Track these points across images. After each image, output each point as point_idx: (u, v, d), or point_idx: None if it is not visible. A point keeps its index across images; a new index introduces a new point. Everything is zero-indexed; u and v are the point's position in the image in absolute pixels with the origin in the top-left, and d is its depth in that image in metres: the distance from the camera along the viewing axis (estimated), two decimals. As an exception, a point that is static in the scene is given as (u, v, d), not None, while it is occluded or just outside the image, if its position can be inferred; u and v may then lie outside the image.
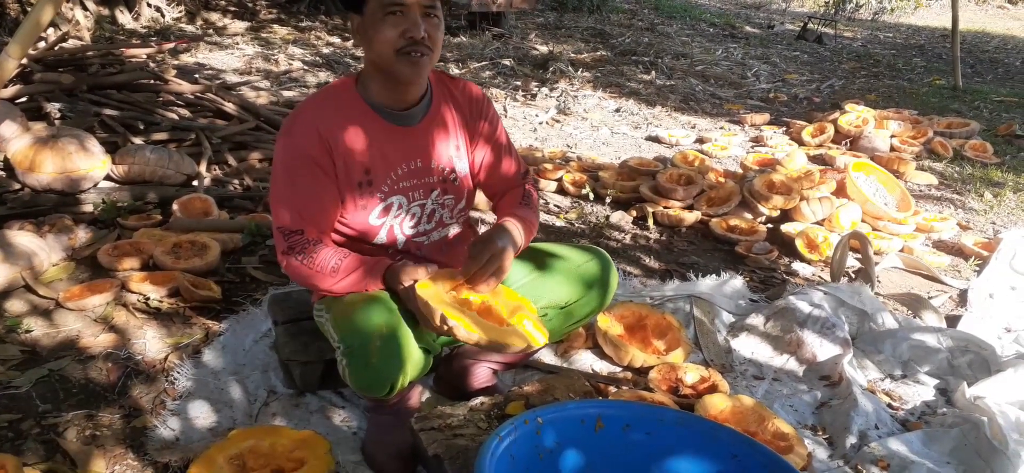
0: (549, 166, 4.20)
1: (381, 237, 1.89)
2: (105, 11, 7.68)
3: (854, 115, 5.35)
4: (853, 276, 3.11)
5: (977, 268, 3.36)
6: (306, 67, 6.76)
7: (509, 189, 2.07)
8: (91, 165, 3.24)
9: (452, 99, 1.96)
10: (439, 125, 1.91)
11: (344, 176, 1.79)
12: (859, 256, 3.14)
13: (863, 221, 3.68)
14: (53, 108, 3.73)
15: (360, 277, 1.76)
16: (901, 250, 3.47)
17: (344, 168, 1.78)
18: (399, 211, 1.87)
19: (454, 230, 2.01)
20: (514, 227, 1.88)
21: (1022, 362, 2.34)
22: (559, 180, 4.10)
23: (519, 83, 6.68)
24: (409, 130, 1.86)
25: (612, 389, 2.24)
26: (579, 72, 7.18)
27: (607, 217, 3.73)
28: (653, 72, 7.60)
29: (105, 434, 1.97)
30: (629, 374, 2.37)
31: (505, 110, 5.89)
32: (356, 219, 1.85)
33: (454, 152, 1.95)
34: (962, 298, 3.07)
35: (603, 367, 2.42)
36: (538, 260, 2.07)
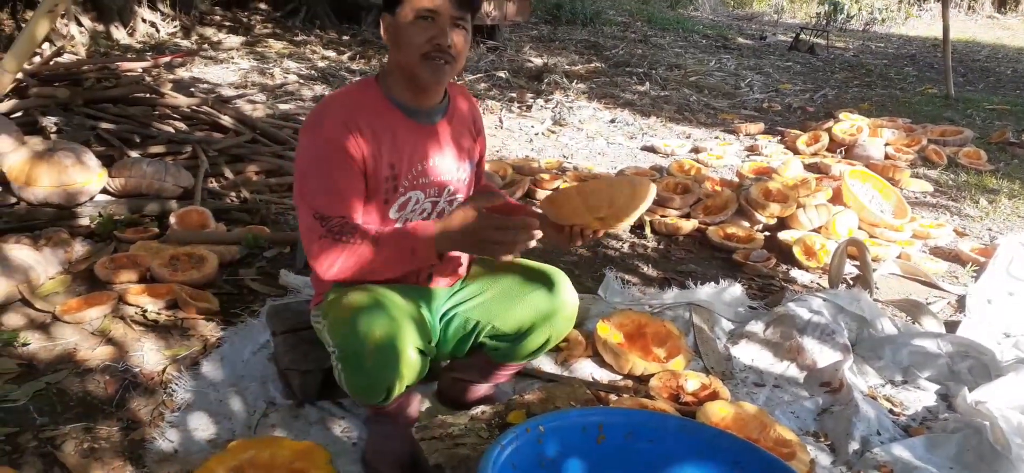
0: (546, 176, 4.21)
1: None
2: (100, 27, 7.68)
3: (849, 124, 5.38)
4: (851, 282, 3.11)
5: (974, 274, 3.37)
6: (301, 81, 6.77)
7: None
8: (87, 179, 3.23)
9: (465, 102, 2.00)
10: (455, 125, 1.94)
11: (372, 171, 1.78)
12: (857, 263, 3.15)
13: (860, 228, 3.69)
14: (49, 122, 3.72)
15: (404, 244, 1.70)
16: (898, 257, 3.48)
17: (372, 163, 1.77)
18: (415, 206, 1.88)
19: None
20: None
21: (1022, 367, 2.34)
22: (556, 189, 4.10)
23: (514, 95, 6.70)
24: (428, 127, 1.87)
25: (613, 397, 2.23)
26: (574, 84, 7.20)
27: (605, 226, 3.72)
28: (647, 83, 7.63)
29: (103, 447, 1.95)
30: (630, 382, 2.36)
31: (501, 121, 5.91)
32: (378, 212, 1.84)
33: (467, 151, 1.97)
34: (960, 304, 3.07)
35: (603, 375, 2.41)
36: (489, 282, 2.02)
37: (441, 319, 2.00)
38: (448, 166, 1.91)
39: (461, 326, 1.99)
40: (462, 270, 2.05)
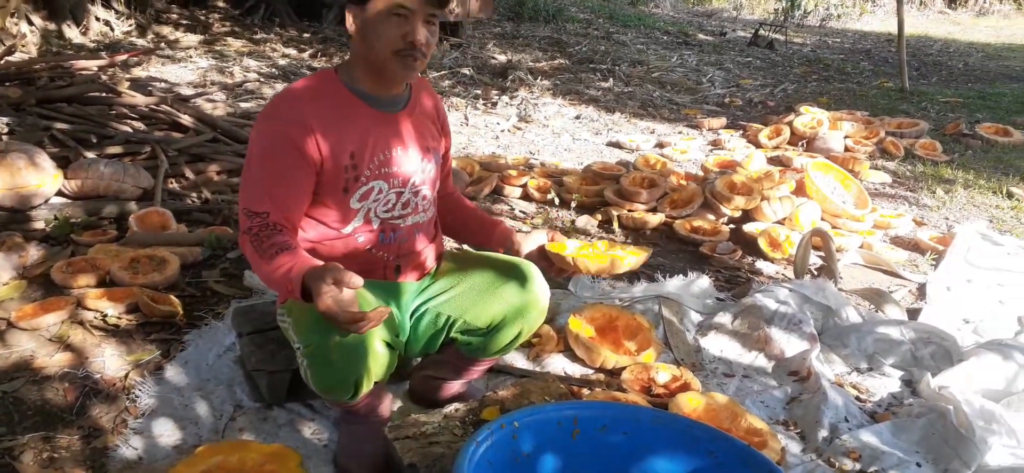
0: (513, 173, 4.20)
1: (357, 221, 1.86)
2: (52, 25, 7.46)
3: (809, 117, 5.46)
4: (816, 273, 3.15)
5: (934, 262, 3.44)
6: (262, 79, 6.66)
7: (450, 194, 2.17)
8: (41, 181, 3.13)
9: (427, 94, 1.99)
10: (418, 116, 1.93)
11: (330, 160, 1.76)
12: (822, 253, 3.20)
13: (822, 219, 3.75)
14: (0, 123, 3.60)
15: (285, 273, 1.60)
16: (860, 247, 3.54)
17: (330, 152, 1.76)
18: (378, 196, 1.86)
19: (425, 218, 1.99)
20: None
21: (983, 351, 2.40)
22: (524, 186, 4.09)
23: (479, 92, 6.68)
24: (391, 117, 1.86)
25: (586, 391, 2.23)
26: (538, 80, 7.20)
27: (573, 221, 3.73)
28: (611, 79, 7.66)
29: (64, 456, 1.89)
30: (602, 376, 2.37)
31: (466, 118, 5.88)
32: (337, 203, 1.82)
33: (432, 142, 1.96)
34: (921, 292, 3.14)
35: (575, 369, 2.41)
36: (459, 277, 2.01)
37: (412, 315, 1.99)
38: (411, 157, 1.89)
39: (432, 321, 1.98)
40: (430, 264, 2.03)
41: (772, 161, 4.85)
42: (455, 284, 1.99)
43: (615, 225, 3.67)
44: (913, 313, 2.92)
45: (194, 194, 3.57)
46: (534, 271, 1.97)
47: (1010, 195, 4.43)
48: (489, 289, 1.94)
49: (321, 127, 1.74)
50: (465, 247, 2.45)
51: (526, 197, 4.08)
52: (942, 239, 3.63)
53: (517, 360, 2.42)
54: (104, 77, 5.18)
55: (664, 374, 2.31)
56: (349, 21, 1.78)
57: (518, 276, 1.95)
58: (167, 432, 2.01)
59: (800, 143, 5.24)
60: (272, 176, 1.73)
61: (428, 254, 2.01)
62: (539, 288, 1.96)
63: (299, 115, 1.73)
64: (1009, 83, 8.54)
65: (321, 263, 1.57)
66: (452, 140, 2.14)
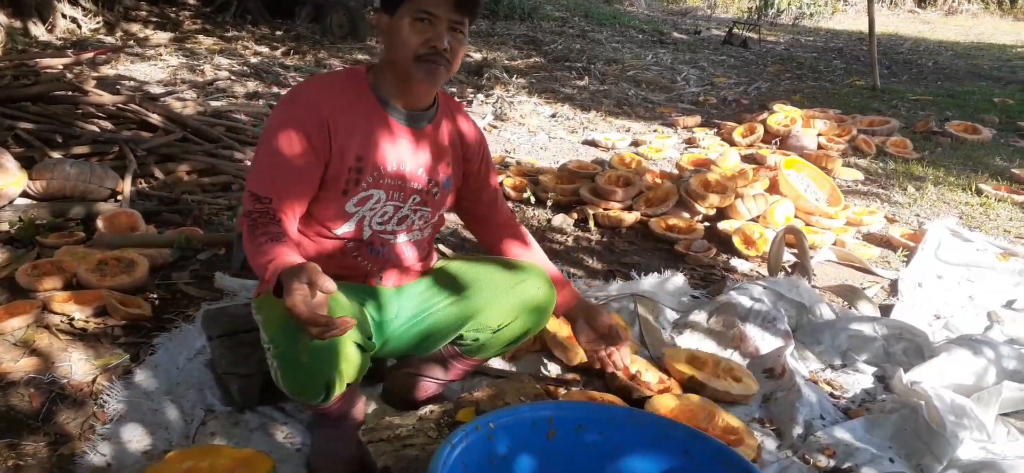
0: (488, 171, 4.18)
1: (349, 226, 1.85)
2: (17, 23, 7.31)
3: (782, 115, 5.51)
4: (790, 270, 3.18)
5: (905, 259, 3.48)
6: (233, 77, 6.58)
7: (503, 227, 2.14)
8: (5, 182, 3.06)
9: (454, 122, 1.98)
10: (438, 138, 1.92)
11: (337, 158, 1.76)
12: (795, 250, 3.22)
13: (796, 216, 3.78)
14: (-38, 122, 3.52)
15: (265, 263, 1.55)
16: (834, 243, 3.57)
17: (339, 150, 1.76)
18: (375, 205, 1.85)
19: (420, 236, 1.98)
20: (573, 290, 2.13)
21: (953, 347, 2.42)
22: (499, 185, 4.07)
23: (454, 90, 6.66)
24: (409, 132, 1.85)
25: (562, 391, 2.22)
26: (514, 78, 7.20)
27: (549, 220, 3.73)
28: (586, 78, 7.68)
29: (29, 464, 1.85)
30: (578, 375, 2.36)
31: (441, 117, 5.85)
32: (333, 202, 1.81)
33: (444, 168, 1.95)
34: (893, 288, 3.17)
35: (552, 369, 2.40)
36: (468, 277, 2.02)
37: (413, 318, 1.99)
38: (418, 174, 1.88)
39: (433, 325, 1.99)
40: (417, 268, 2.02)
41: (746, 159, 4.88)
42: (461, 289, 1.99)
43: (590, 223, 3.67)
44: (885, 309, 2.95)
45: (164, 194, 3.51)
46: (540, 271, 2.00)
47: (979, 192, 4.50)
48: (501, 289, 1.96)
49: (335, 122, 1.74)
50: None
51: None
52: (913, 236, 3.67)
53: (493, 360, 2.40)
54: (70, 75, 5.09)
55: (650, 375, 2.30)
56: (376, 28, 1.81)
57: (529, 277, 1.97)
58: (136, 437, 1.97)
59: (773, 141, 5.28)
60: (280, 164, 1.72)
61: (415, 268, 2.01)
62: (550, 289, 2.00)
63: (317, 107, 1.74)
64: (977, 81, 8.69)
65: (301, 262, 1.54)
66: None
